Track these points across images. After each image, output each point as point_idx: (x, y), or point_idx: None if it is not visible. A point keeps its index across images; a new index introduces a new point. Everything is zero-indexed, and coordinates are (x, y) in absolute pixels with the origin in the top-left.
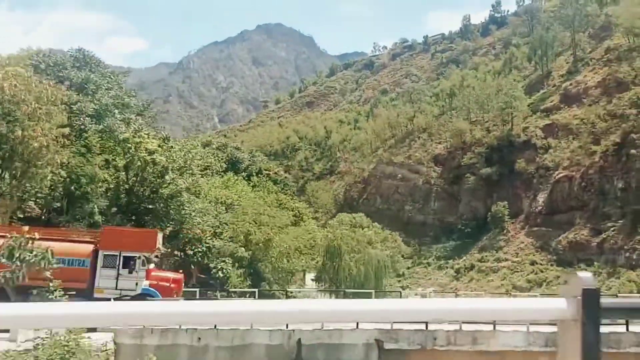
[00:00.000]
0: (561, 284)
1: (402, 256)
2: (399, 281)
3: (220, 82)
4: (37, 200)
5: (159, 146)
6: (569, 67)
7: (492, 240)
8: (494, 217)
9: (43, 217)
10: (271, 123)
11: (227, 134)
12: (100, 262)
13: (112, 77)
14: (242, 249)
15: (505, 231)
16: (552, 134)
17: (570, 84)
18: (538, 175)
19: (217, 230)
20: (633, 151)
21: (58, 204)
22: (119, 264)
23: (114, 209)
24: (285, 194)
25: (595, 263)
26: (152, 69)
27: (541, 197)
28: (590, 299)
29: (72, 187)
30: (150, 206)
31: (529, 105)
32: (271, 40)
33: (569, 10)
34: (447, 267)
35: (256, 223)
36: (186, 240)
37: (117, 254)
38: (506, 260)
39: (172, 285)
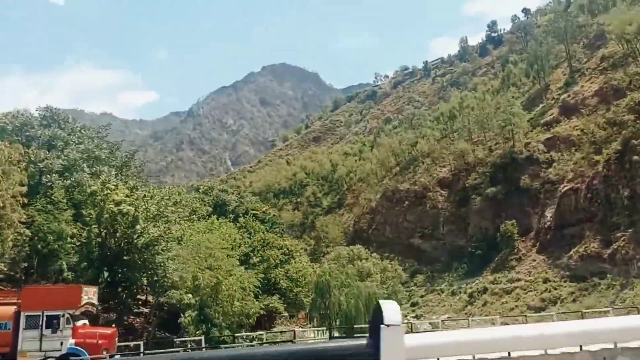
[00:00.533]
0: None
1: (403, 284)
2: (413, 310)
3: (230, 126)
4: (3, 261)
5: (127, 196)
6: (566, 79)
7: (503, 260)
8: (504, 237)
9: (17, 276)
10: (278, 161)
11: (236, 176)
12: (22, 324)
13: (82, 131)
14: (190, 295)
15: (516, 250)
16: (555, 147)
17: (568, 96)
18: (544, 191)
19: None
20: (636, 157)
21: (25, 263)
22: (41, 324)
23: (85, 264)
24: (274, 233)
25: (609, 275)
26: (163, 119)
27: (549, 212)
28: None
29: (39, 245)
30: (125, 257)
31: (529, 121)
32: (277, 80)
33: (561, 23)
34: (460, 292)
35: (208, 266)
36: (161, 290)
37: (40, 313)
38: (519, 280)
39: (101, 341)
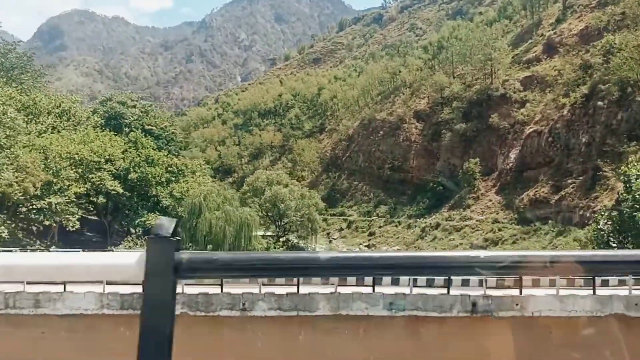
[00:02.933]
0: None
1: (321, 212)
2: (369, 240)
3: (242, 41)
4: None
5: None
6: (558, 15)
7: (461, 198)
8: (465, 175)
9: None
10: (273, 80)
11: (228, 93)
12: None
13: None
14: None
15: (475, 189)
16: (531, 86)
17: (554, 33)
18: (513, 131)
19: (55, 186)
20: (600, 103)
21: None
22: None
23: None
24: (169, 151)
25: (550, 222)
26: (176, 29)
27: (513, 154)
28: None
29: None
30: None
31: (513, 57)
32: None
33: None
34: (415, 226)
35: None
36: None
37: None
38: (471, 219)
39: None
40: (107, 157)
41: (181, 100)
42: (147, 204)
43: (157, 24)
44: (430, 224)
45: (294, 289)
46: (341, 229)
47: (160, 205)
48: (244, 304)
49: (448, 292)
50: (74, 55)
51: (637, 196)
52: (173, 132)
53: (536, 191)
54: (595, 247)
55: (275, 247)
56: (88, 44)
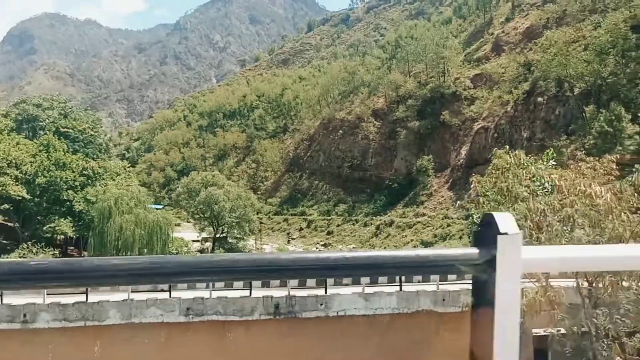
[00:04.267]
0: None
1: (258, 213)
2: (327, 238)
3: (217, 42)
4: None
5: None
6: (508, 14)
7: (415, 195)
8: (420, 172)
9: None
10: (240, 82)
11: (196, 94)
12: None
13: None
14: None
15: (429, 186)
16: (481, 84)
17: (502, 32)
18: (464, 128)
19: None
20: (540, 99)
21: None
22: None
23: None
24: (87, 154)
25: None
26: (150, 31)
27: (464, 150)
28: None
29: None
30: None
31: (466, 55)
32: None
33: None
34: (370, 224)
35: None
36: None
37: None
38: (423, 215)
39: None
40: (10, 161)
41: (155, 103)
42: (61, 208)
43: (131, 26)
44: (385, 221)
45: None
46: (301, 229)
47: (74, 210)
48: (24, 315)
49: (250, 294)
50: (45, 58)
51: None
52: (92, 135)
53: (482, 186)
54: None
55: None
56: (59, 47)
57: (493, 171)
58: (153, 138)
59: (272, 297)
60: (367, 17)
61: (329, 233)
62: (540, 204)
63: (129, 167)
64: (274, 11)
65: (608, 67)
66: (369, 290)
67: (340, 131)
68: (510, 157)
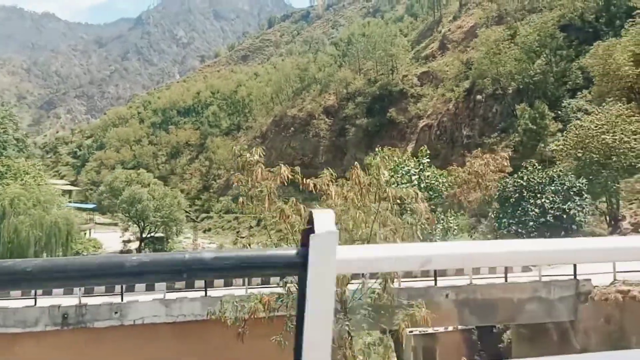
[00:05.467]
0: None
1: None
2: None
3: (180, 38)
4: None
5: None
6: (455, 13)
7: None
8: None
9: None
10: (196, 78)
11: (154, 91)
12: None
13: None
14: None
15: None
16: (427, 82)
17: (449, 30)
18: (411, 125)
19: None
20: (479, 97)
21: None
22: None
23: None
24: None
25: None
26: (112, 25)
27: (410, 148)
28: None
29: None
30: None
31: (415, 53)
32: None
33: None
34: None
35: None
36: None
37: None
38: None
39: None
40: None
41: (117, 99)
42: None
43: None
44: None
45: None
46: (251, 227)
47: None
48: None
49: (35, 303)
50: (0, 53)
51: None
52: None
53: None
54: None
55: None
56: (15, 42)
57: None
58: (105, 135)
59: (59, 306)
60: (326, 14)
61: (278, 231)
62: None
63: (39, 164)
64: (239, 7)
65: (537, 65)
66: (171, 296)
67: (292, 128)
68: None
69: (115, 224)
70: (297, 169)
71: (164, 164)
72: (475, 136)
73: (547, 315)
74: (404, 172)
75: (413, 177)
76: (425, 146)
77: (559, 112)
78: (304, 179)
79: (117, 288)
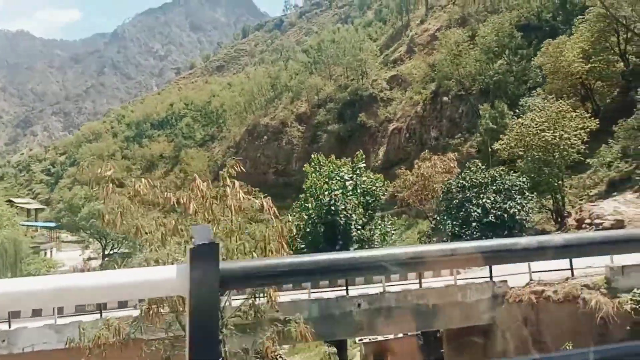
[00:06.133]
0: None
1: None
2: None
3: (157, 51)
4: None
5: None
6: (422, 17)
7: None
8: None
9: None
10: (170, 90)
11: (128, 105)
12: None
13: None
14: None
15: None
16: (396, 86)
17: (416, 34)
18: (382, 129)
19: None
20: (445, 99)
21: None
22: None
23: None
24: None
25: (404, 215)
26: (87, 41)
27: (381, 151)
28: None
29: None
30: None
31: (384, 58)
32: (209, 3)
33: None
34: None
35: None
36: None
37: None
38: None
39: None
40: None
41: (94, 115)
42: None
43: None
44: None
45: None
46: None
47: None
48: None
49: None
50: None
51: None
52: None
53: (394, 187)
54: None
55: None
56: None
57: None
58: (78, 151)
59: None
60: (299, 22)
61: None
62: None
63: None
64: (215, 18)
65: (498, 66)
66: (63, 321)
67: (265, 137)
68: (317, 163)
69: (83, 241)
70: (155, 185)
71: (138, 178)
72: (443, 137)
73: (465, 319)
74: (338, 179)
75: (347, 183)
76: (361, 152)
77: (517, 111)
78: (165, 194)
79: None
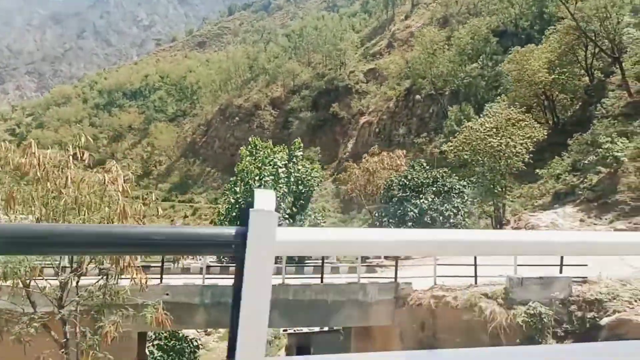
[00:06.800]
0: None
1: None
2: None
3: (142, 20)
4: None
5: None
6: (407, 12)
7: None
8: None
9: None
10: (148, 62)
11: (102, 72)
12: None
13: None
14: None
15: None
16: (373, 79)
17: (398, 29)
18: (353, 121)
19: None
20: (418, 97)
21: None
22: None
23: None
24: None
25: (364, 210)
26: (70, 1)
27: (350, 143)
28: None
29: None
30: None
31: (364, 50)
32: None
33: None
34: None
35: None
36: None
37: None
38: None
39: None
40: None
41: (69, 78)
42: None
43: None
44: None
45: None
46: (186, 216)
47: None
48: None
49: None
50: None
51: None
52: None
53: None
54: None
55: None
56: None
57: None
58: (45, 114)
59: None
60: (286, 5)
61: (211, 222)
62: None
63: None
64: None
65: (472, 69)
66: None
67: (237, 118)
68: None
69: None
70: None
71: (104, 147)
72: (410, 135)
73: (364, 319)
74: (271, 165)
75: (280, 171)
76: (299, 139)
77: (481, 115)
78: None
79: None
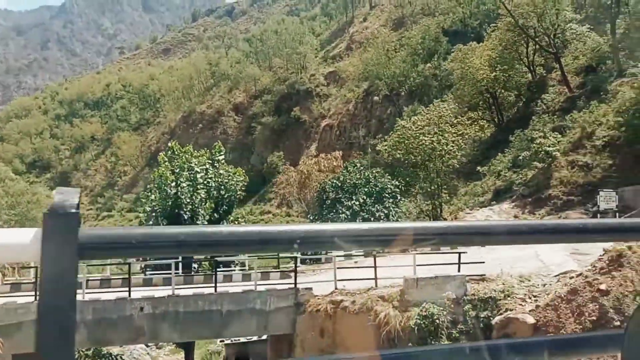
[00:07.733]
0: None
1: None
2: None
3: (106, 29)
4: None
5: None
6: (366, 15)
7: (265, 192)
8: (270, 168)
9: None
10: (110, 70)
11: (64, 82)
12: None
13: None
14: None
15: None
16: (333, 82)
17: (357, 31)
18: (315, 125)
19: None
20: (376, 98)
21: None
22: None
23: None
24: None
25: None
26: (33, 12)
27: (313, 147)
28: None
29: None
30: None
31: (324, 53)
32: None
33: None
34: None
35: None
36: None
37: None
38: (269, 212)
39: None
40: None
41: (35, 90)
42: None
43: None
44: (231, 219)
45: None
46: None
47: None
48: None
49: None
50: None
51: None
52: None
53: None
54: None
55: None
56: None
57: None
58: (5, 127)
59: None
60: (250, 10)
61: None
62: None
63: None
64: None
65: (425, 69)
66: None
67: (200, 125)
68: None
69: None
70: None
71: (67, 159)
72: (368, 137)
73: (263, 328)
74: (188, 171)
75: (198, 176)
76: (219, 143)
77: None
78: None
79: None
